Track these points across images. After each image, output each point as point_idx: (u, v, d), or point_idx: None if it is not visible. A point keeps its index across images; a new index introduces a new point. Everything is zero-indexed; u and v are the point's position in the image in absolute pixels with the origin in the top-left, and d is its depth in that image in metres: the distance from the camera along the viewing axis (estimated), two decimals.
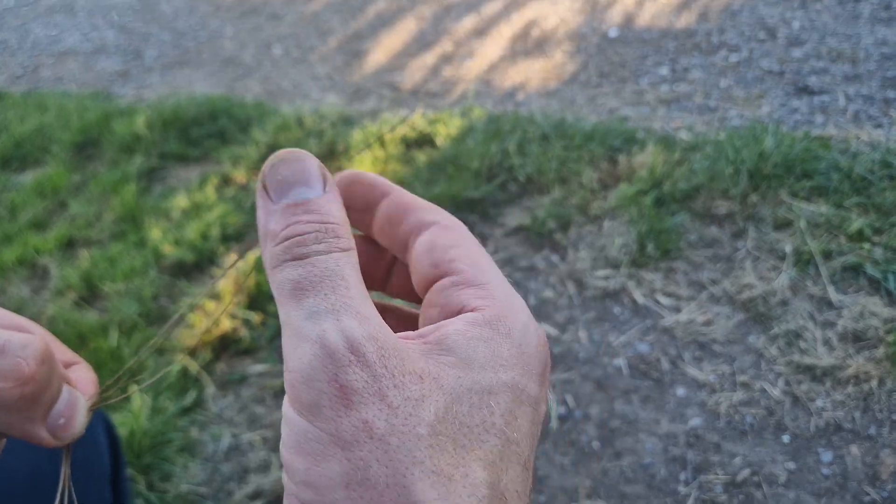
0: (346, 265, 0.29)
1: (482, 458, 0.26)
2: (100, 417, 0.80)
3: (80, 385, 0.38)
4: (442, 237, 0.33)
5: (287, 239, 0.29)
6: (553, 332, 1.68)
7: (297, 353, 0.27)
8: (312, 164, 0.31)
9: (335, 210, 0.30)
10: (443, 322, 0.30)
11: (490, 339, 0.29)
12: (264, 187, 0.31)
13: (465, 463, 0.26)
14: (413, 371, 0.27)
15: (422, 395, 0.26)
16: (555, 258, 1.88)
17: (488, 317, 0.30)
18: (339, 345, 0.26)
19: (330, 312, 0.27)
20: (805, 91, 2.41)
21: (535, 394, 0.29)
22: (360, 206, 0.36)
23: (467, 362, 0.28)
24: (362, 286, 0.29)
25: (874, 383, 1.44)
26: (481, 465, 0.26)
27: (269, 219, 0.30)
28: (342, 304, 0.27)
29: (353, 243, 0.30)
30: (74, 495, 0.36)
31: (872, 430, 1.37)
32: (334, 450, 0.25)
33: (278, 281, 0.29)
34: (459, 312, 0.30)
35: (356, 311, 0.27)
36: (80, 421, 0.35)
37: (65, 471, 0.37)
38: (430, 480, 0.25)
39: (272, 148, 2.56)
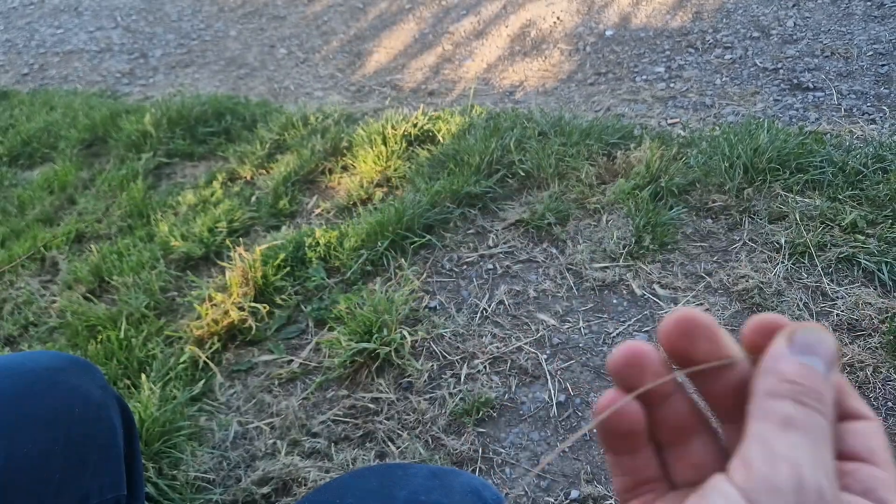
0: (829, 435, 0.31)
1: None
2: (115, 399, 0.83)
3: None
4: (881, 438, 0.35)
5: (793, 382, 0.32)
6: (553, 322, 1.72)
7: (768, 462, 0.29)
8: (833, 349, 0.33)
9: (832, 395, 0.33)
10: (860, 500, 0.32)
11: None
12: (790, 338, 0.33)
13: None
14: None
15: None
16: (554, 251, 1.92)
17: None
18: (815, 485, 0.28)
19: (811, 456, 0.29)
20: (799, 88, 2.45)
21: None
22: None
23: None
24: (834, 459, 0.31)
25: (869, 371, 1.47)
26: None
27: (783, 360, 0.32)
28: (823, 458, 0.30)
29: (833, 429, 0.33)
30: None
31: None
32: None
33: (769, 407, 0.31)
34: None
35: (829, 472, 0.29)
36: None
37: None
38: None
39: (278, 145, 2.60)
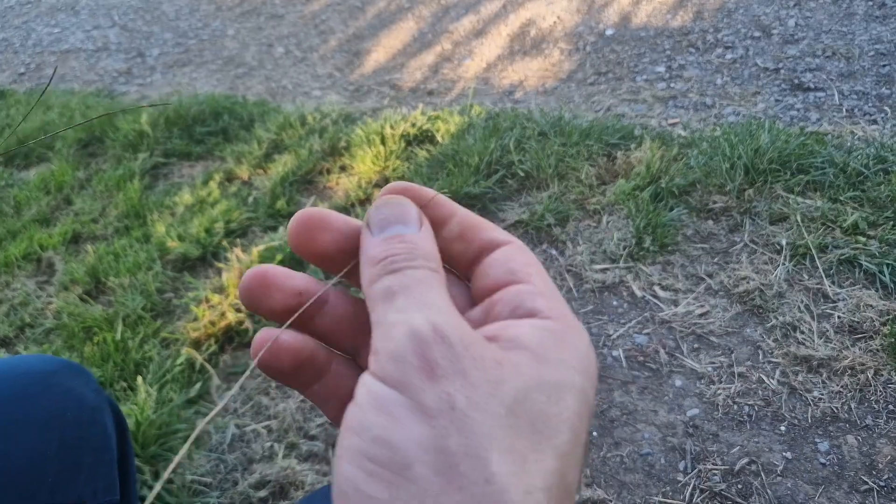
0: (434, 279, 0.31)
1: (556, 448, 0.27)
2: (108, 403, 0.82)
3: None
4: (520, 255, 0.35)
5: (383, 259, 0.32)
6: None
7: (385, 338, 0.29)
8: (411, 207, 0.34)
9: (428, 244, 0.33)
10: (511, 322, 0.32)
11: (560, 346, 0.30)
12: (367, 225, 0.34)
13: (539, 448, 0.27)
14: (493, 357, 0.28)
15: (501, 378, 0.28)
16: (554, 252, 1.90)
17: (558, 327, 0.31)
18: (425, 327, 0.28)
19: (416, 307, 0.29)
20: (800, 88, 2.44)
21: (592, 406, 0.31)
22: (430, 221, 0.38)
23: (542, 359, 0.29)
24: (448, 297, 0.31)
25: (870, 374, 1.46)
26: (554, 454, 0.27)
27: (369, 247, 0.33)
28: (428, 301, 0.30)
29: (442, 272, 0.32)
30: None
31: (869, 420, 1.39)
32: (418, 415, 0.26)
33: (373, 292, 0.31)
34: (530, 317, 0.32)
35: (440, 308, 0.29)
36: None
37: None
38: (505, 457, 0.26)
39: (275, 145, 2.58)
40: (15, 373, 0.73)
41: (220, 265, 1.99)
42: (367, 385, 0.28)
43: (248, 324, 1.78)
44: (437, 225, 0.36)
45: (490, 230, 0.36)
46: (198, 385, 1.67)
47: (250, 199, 2.31)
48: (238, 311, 1.81)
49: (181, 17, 4.28)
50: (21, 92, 3.56)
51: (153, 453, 1.50)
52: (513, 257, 0.35)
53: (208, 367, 1.71)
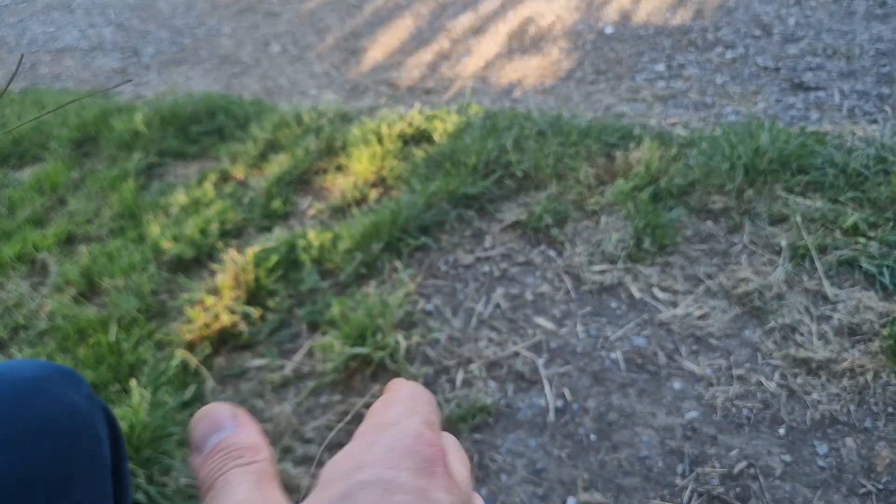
0: (245, 474, 0.31)
1: None
2: (101, 409, 0.80)
3: None
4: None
5: (204, 480, 0.32)
6: (550, 326, 1.69)
7: None
8: (221, 410, 0.34)
9: (244, 437, 0.33)
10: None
11: (357, 452, 0.31)
12: (193, 447, 0.34)
13: None
14: None
15: None
16: (552, 253, 1.89)
17: (364, 428, 0.32)
18: None
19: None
20: (800, 87, 2.43)
21: (412, 484, 0.30)
22: None
23: (325, 484, 0.30)
24: (265, 482, 0.31)
25: (869, 376, 1.45)
26: None
27: (197, 472, 0.33)
28: (233, 498, 0.30)
29: (260, 455, 0.32)
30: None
31: (868, 423, 1.38)
32: None
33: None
34: None
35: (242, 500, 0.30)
36: None
37: None
38: None
39: (271, 145, 2.57)
40: (5, 379, 0.72)
41: (215, 266, 1.98)
42: None
43: (242, 326, 1.77)
44: None
45: None
46: (192, 388, 1.66)
47: (245, 200, 2.29)
48: (233, 312, 1.79)
49: (177, 15, 4.26)
50: (16, 91, 3.54)
51: (147, 456, 1.49)
52: None
53: (203, 369, 1.70)
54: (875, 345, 1.50)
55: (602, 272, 1.80)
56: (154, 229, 2.15)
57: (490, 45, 3.25)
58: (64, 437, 0.72)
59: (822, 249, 1.73)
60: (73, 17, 4.46)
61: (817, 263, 1.70)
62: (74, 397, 0.76)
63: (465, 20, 3.54)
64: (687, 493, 1.33)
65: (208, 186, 2.36)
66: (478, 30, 3.42)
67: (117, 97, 3.33)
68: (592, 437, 1.45)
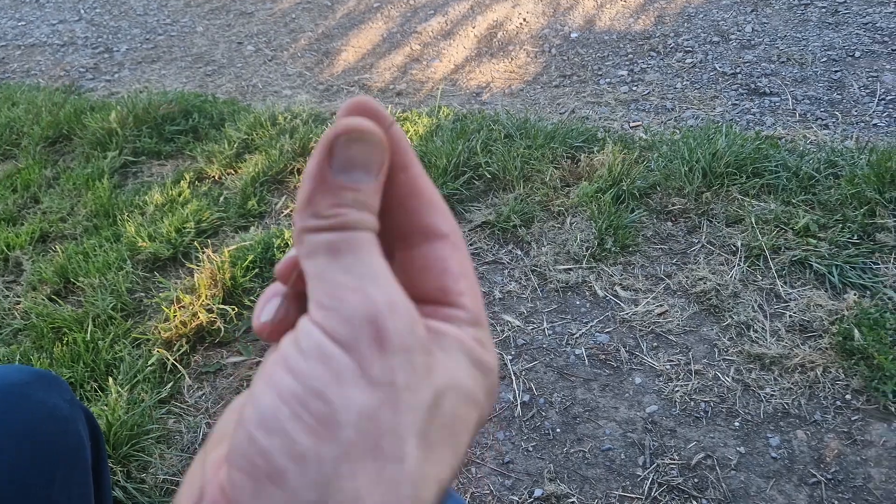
0: (375, 243, 0.31)
1: (455, 452, 0.29)
2: (82, 412, 0.84)
3: None
4: (454, 261, 0.34)
5: (332, 209, 0.31)
6: (517, 323, 1.76)
7: (335, 295, 0.29)
8: (381, 152, 0.32)
9: (377, 198, 0.32)
10: (444, 325, 0.33)
11: (476, 370, 0.32)
12: (330, 151, 0.31)
13: (446, 446, 0.29)
14: (427, 345, 0.30)
15: (433, 366, 0.29)
16: (519, 252, 1.96)
17: (479, 356, 0.33)
18: (381, 298, 0.29)
19: (368, 271, 0.29)
20: (756, 92, 2.52)
21: (483, 401, 0.32)
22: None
23: (460, 370, 0.31)
24: (387, 265, 0.31)
25: (819, 371, 1.53)
26: (454, 455, 0.29)
27: (321, 187, 0.31)
28: (377, 270, 0.30)
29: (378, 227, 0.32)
30: None
31: (818, 416, 1.46)
32: (362, 383, 0.27)
33: (313, 241, 0.30)
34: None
35: (390, 281, 0.30)
36: None
37: None
38: (419, 444, 0.28)
39: (246, 144, 2.60)
40: None
41: (192, 266, 2.01)
42: (311, 335, 0.29)
43: (219, 324, 1.80)
44: (388, 171, 0.34)
45: (433, 212, 0.35)
46: (169, 385, 1.69)
47: (221, 199, 2.33)
48: (210, 311, 1.83)
49: (149, 13, 4.24)
50: None
51: (125, 454, 1.52)
52: (446, 267, 0.34)
53: (180, 367, 1.74)
54: (825, 341, 1.59)
55: (567, 271, 1.87)
56: (130, 228, 2.17)
57: (459, 48, 3.30)
58: (46, 441, 0.75)
59: (776, 250, 1.81)
60: (44, 13, 4.42)
61: (771, 263, 1.79)
62: (56, 401, 0.79)
63: (435, 23, 3.59)
64: (647, 484, 1.40)
65: (184, 186, 2.39)
66: (447, 33, 3.47)
67: (90, 94, 3.32)
68: (558, 430, 1.52)
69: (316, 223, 0.31)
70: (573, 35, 3.20)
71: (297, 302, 0.35)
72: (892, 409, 1.44)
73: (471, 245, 1.99)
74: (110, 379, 1.67)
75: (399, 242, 0.35)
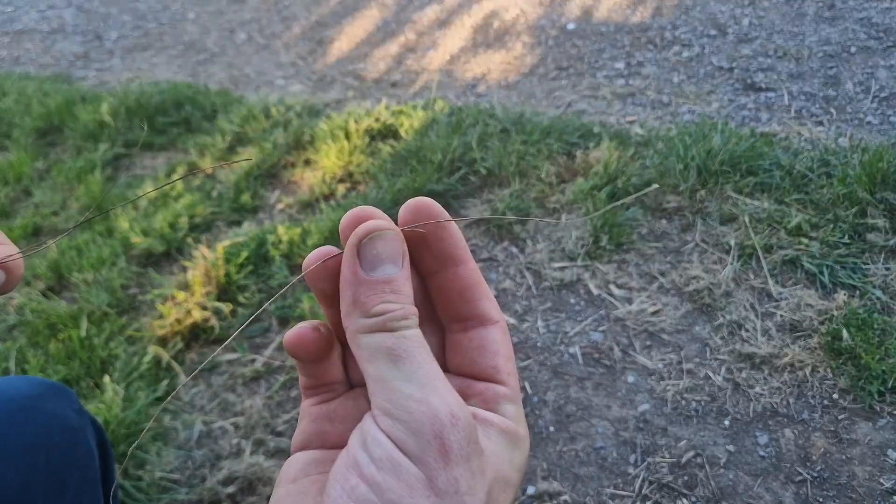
0: (422, 339, 0.35)
1: None
2: (90, 422, 0.85)
3: None
4: (504, 345, 0.40)
5: (378, 311, 0.34)
6: (512, 321, 1.77)
7: (402, 405, 0.32)
8: (402, 245, 0.36)
9: (409, 286, 0.36)
10: (484, 413, 0.37)
11: (514, 449, 0.37)
12: (356, 253, 0.35)
13: None
14: (483, 447, 0.34)
15: (482, 468, 0.33)
16: (514, 250, 1.96)
17: (516, 432, 0.37)
18: (444, 411, 0.32)
19: (429, 381, 0.33)
20: (752, 88, 2.52)
21: (516, 483, 0.37)
22: (435, 255, 0.40)
23: (504, 457, 0.35)
24: (438, 366, 0.35)
25: (808, 371, 1.55)
26: None
27: (360, 289, 0.35)
28: (435, 375, 0.33)
29: (416, 318, 0.36)
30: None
31: (805, 415, 1.48)
32: (428, 492, 0.31)
33: (371, 344, 0.34)
34: (495, 413, 0.38)
35: (446, 384, 0.33)
36: None
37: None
38: None
39: (239, 137, 2.58)
40: (3, 397, 0.76)
41: (186, 262, 2.01)
42: (381, 444, 0.32)
43: (213, 321, 1.81)
44: (443, 263, 0.39)
45: (487, 300, 0.40)
46: (164, 382, 1.70)
47: (214, 194, 2.32)
48: (204, 308, 1.83)
49: None
50: None
51: (122, 452, 1.53)
52: (498, 349, 0.39)
53: (175, 364, 1.74)
54: (814, 341, 1.60)
55: (562, 269, 1.88)
56: (123, 223, 2.17)
57: (455, 38, 3.29)
58: (57, 452, 0.76)
59: (768, 249, 1.83)
60: None
61: (763, 262, 1.80)
62: (66, 412, 0.81)
63: (431, 12, 3.57)
64: (639, 482, 1.42)
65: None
66: (443, 22, 3.45)
67: (81, 84, 3.30)
68: (551, 428, 1.53)
69: (368, 323, 0.34)
70: (570, 26, 3.19)
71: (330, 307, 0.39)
72: (878, 409, 1.46)
73: (466, 241, 1.99)
74: (106, 377, 1.67)
75: (456, 324, 0.40)
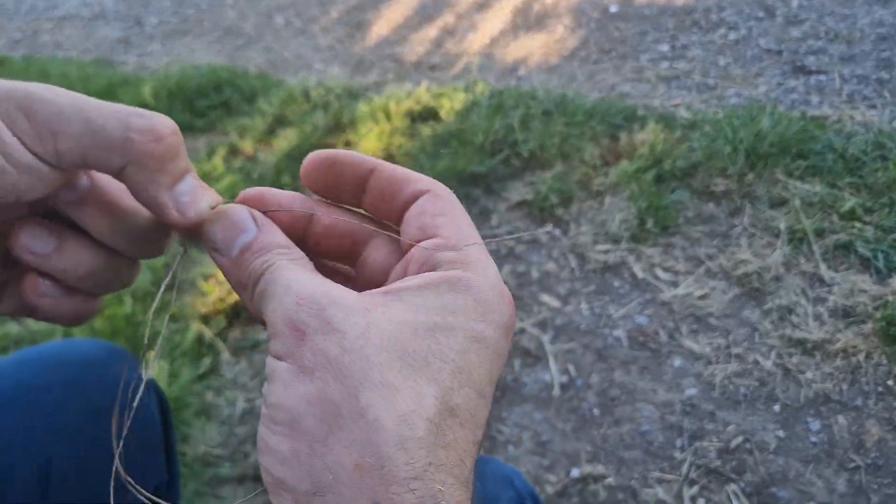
0: (290, 263, 0.35)
1: (430, 378, 0.30)
2: (152, 390, 0.85)
3: None
4: (432, 204, 0.37)
5: (248, 279, 0.35)
6: (555, 303, 1.74)
7: (271, 325, 0.33)
8: (240, 213, 0.37)
9: (271, 237, 0.36)
10: (409, 276, 0.35)
11: (442, 293, 0.33)
12: (214, 248, 0.37)
13: (413, 379, 0.30)
14: (361, 307, 0.31)
15: (368, 323, 0.30)
16: (557, 232, 1.94)
17: (448, 276, 0.34)
18: (290, 300, 0.32)
19: (283, 291, 0.33)
20: (802, 71, 2.46)
21: (495, 340, 0.33)
22: (351, 184, 0.39)
23: (413, 307, 0.32)
24: (310, 269, 0.35)
25: (861, 357, 1.51)
26: (429, 381, 0.30)
27: (229, 273, 0.37)
28: (290, 279, 0.33)
29: (299, 253, 0.36)
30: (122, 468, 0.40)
31: (859, 402, 1.44)
32: (300, 376, 0.30)
33: (256, 298, 0.35)
34: (433, 270, 0.35)
35: (301, 280, 0.33)
36: (201, 204, 0.37)
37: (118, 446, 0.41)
38: (377, 392, 0.29)
39: (279, 120, 2.59)
40: (70, 360, 0.76)
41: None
42: (268, 365, 0.32)
43: None
44: (357, 186, 0.39)
45: (410, 182, 0.38)
46: (207, 360, 1.71)
47: (255, 174, 2.33)
48: None
49: None
50: (18, 60, 3.53)
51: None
52: (425, 210, 0.37)
53: (218, 341, 1.75)
54: (868, 327, 1.56)
55: (606, 252, 1.85)
56: None
57: (495, 21, 3.25)
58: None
59: (820, 233, 1.78)
60: None
61: (814, 247, 1.75)
62: (131, 377, 0.81)
63: None
64: (685, 466, 1.39)
65: (218, 161, 2.39)
66: (482, 5, 3.42)
67: (122, 68, 3.33)
68: (596, 411, 1.51)
69: (245, 293, 0.36)
70: (612, 9, 3.14)
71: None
72: None
73: (508, 224, 1.98)
74: (151, 352, 1.68)
75: (398, 224, 0.39)
